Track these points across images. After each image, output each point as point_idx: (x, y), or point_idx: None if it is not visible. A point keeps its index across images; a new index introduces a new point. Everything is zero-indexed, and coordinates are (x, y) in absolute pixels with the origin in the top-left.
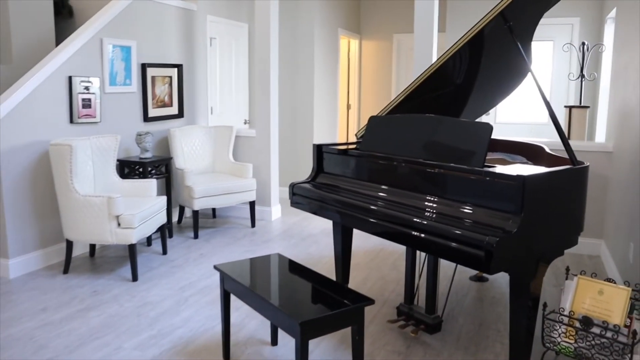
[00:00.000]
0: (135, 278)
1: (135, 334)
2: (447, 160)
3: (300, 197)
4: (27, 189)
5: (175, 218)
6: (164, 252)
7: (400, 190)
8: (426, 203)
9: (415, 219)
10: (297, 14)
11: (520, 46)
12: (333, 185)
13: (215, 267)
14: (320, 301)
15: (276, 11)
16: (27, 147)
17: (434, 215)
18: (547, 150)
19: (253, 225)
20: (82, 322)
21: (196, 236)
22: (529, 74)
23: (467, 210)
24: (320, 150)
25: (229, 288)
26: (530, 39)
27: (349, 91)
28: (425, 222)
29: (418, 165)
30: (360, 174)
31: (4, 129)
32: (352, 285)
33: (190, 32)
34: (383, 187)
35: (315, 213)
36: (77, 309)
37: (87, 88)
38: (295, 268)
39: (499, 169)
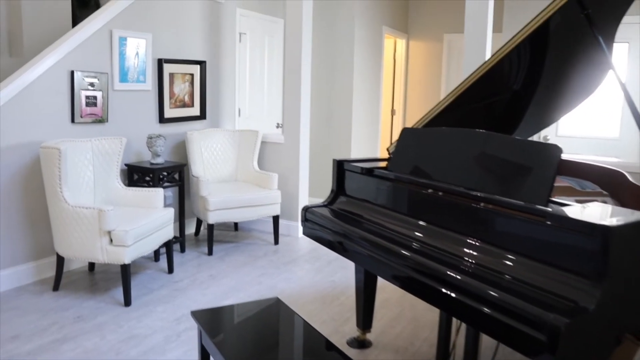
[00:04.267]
0: (127, 303)
1: None
2: (497, 191)
3: (313, 224)
4: (19, 195)
5: (191, 229)
6: (170, 270)
7: (434, 227)
8: (466, 250)
9: (447, 271)
10: (336, 10)
11: (602, 41)
12: (354, 213)
13: (193, 315)
14: None
15: (310, 5)
16: (20, 148)
17: (474, 269)
18: (630, 178)
19: (276, 242)
20: (51, 357)
21: (210, 252)
22: (608, 79)
23: (524, 266)
24: (341, 168)
25: (206, 344)
26: (614, 34)
27: (394, 95)
28: (459, 277)
29: (458, 197)
30: (386, 201)
31: None
32: (377, 328)
33: (216, 26)
34: (412, 221)
35: (330, 247)
36: (53, 338)
37: (92, 84)
38: (291, 323)
39: (569, 209)
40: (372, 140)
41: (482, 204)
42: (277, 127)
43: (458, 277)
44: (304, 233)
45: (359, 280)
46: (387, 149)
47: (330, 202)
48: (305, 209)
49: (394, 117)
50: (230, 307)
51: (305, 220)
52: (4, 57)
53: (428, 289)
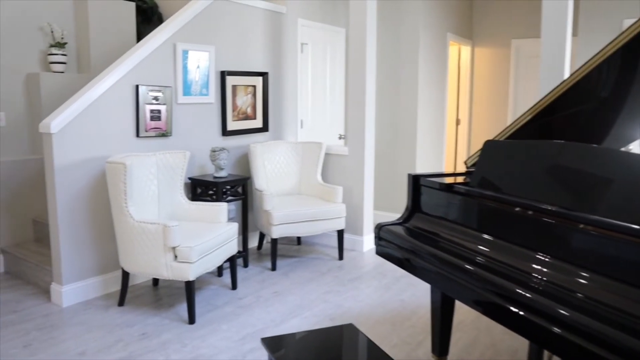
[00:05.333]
0: (192, 320)
1: None
2: (599, 211)
3: (388, 243)
4: (85, 209)
5: (254, 243)
6: (233, 286)
7: (525, 251)
8: (567, 277)
9: (544, 302)
10: (399, 17)
11: None
12: (432, 232)
13: (263, 342)
14: None
15: (374, 13)
16: (86, 162)
17: (578, 300)
18: None
19: (341, 257)
20: None
21: (274, 268)
22: None
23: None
24: (416, 183)
25: None
26: None
27: (459, 104)
28: (560, 310)
29: (554, 217)
30: (469, 220)
31: (61, 142)
32: (453, 354)
33: (278, 37)
34: (499, 243)
35: (405, 269)
36: (118, 357)
37: (156, 98)
38: (365, 352)
39: None
40: (437, 151)
41: (582, 226)
42: (340, 138)
43: (559, 310)
44: (377, 252)
45: (435, 301)
46: (465, 162)
47: (405, 220)
48: (379, 227)
49: (459, 126)
50: (302, 334)
51: (379, 238)
52: (72, 73)
53: (522, 321)
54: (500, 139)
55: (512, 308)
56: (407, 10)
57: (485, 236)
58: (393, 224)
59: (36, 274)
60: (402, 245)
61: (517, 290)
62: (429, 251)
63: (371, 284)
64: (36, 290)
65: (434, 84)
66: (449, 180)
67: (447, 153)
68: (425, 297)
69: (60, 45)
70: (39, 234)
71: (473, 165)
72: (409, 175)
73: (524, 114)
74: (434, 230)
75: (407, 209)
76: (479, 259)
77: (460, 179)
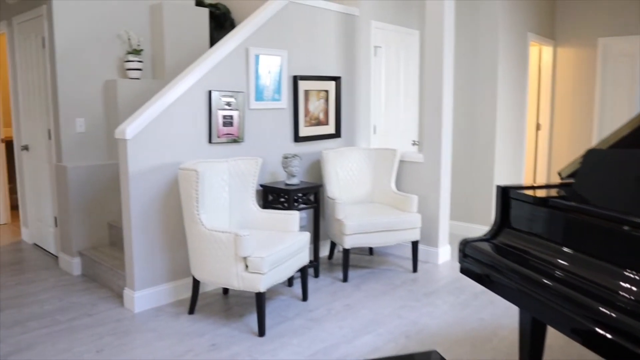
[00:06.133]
0: (262, 333)
1: None
2: None
3: (473, 261)
4: (158, 215)
5: (325, 252)
6: (304, 297)
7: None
8: None
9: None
10: (477, 17)
11: None
12: (523, 250)
13: None
14: None
15: (451, 14)
16: (160, 168)
17: None
18: None
19: (415, 269)
20: None
21: (345, 279)
22: None
23: None
24: (506, 195)
25: None
26: None
27: (539, 108)
28: None
29: None
30: (568, 239)
31: (135, 148)
32: None
33: (351, 40)
34: (605, 266)
35: (492, 290)
36: None
37: (228, 104)
38: None
39: None
40: (517, 158)
41: None
42: (413, 144)
43: None
44: (462, 270)
45: (524, 322)
46: (559, 173)
47: (492, 236)
48: (464, 243)
49: (539, 132)
50: None
51: (464, 255)
52: (148, 80)
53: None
54: (603, 148)
55: (602, 332)
56: (485, 10)
57: (591, 259)
58: (479, 240)
59: (110, 278)
60: (489, 262)
61: (619, 317)
62: (522, 272)
63: (447, 299)
64: (110, 294)
65: (513, 87)
66: (541, 192)
67: (527, 160)
68: (506, 317)
69: (137, 52)
70: (114, 238)
71: (569, 176)
72: (498, 187)
73: (631, 120)
74: (526, 249)
75: (495, 223)
76: (582, 283)
77: (553, 191)
